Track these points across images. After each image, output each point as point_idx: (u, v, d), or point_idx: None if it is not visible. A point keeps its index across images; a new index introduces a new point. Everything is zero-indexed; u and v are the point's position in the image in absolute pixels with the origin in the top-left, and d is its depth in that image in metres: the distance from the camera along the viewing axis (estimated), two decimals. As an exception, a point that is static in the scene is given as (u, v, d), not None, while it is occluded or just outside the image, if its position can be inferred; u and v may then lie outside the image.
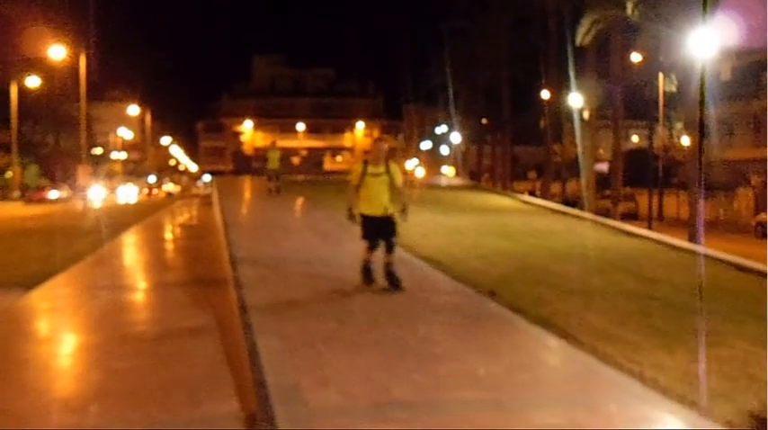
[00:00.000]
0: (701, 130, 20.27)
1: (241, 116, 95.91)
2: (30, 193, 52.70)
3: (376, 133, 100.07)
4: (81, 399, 6.03)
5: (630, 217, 39.78)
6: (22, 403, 5.90)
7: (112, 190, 62.77)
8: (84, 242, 16.48)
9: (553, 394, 5.96)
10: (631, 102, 44.87)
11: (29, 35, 45.22)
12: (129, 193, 64.35)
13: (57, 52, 42.90)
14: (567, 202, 35.58)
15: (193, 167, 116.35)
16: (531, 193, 46.00)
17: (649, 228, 31.22)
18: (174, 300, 10.23)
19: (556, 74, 43.60)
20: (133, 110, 77.57)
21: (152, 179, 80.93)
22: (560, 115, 47.05)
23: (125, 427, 5.35)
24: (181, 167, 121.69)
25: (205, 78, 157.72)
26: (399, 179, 9.76)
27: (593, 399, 5.79)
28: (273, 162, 26.51)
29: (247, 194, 29.81)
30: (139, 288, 12.08)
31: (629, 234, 17.89)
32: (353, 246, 14.33)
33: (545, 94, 46.52)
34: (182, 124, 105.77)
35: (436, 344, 7.11)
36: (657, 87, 40.18)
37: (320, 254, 12.93)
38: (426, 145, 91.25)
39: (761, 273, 12.16)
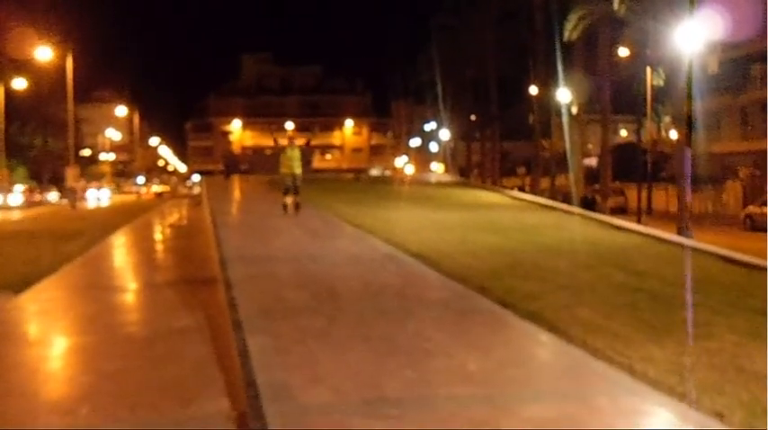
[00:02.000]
0: (688, 124, 20.36)
1: (229, 115, 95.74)
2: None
3: (365, 131, 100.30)
4: (72, 401, 6.02)
5: (619, 211, 39.87)
6: (13, 405, 5.88)
7: (83, 192, 54.90)
8: (73, 244, 16.42)
9: (544, 388, 5.98)
10: (619, 96, 45.02)
11: (15, 36, 45.01)
12: (101, 196, 60.41)
13: (43, 53, 42.75)
14: (585, 203, 32.43)
15: (182, 168, 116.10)
16: (521, 189, 46.12)
17: (638, 221, 31.33)
18: (164, 300, 10.21)
19: (544, 69, 43.66)
20: (121, 110, 77.30)
21: (140, 180, 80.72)
22: (549, 110, 47.12)
23: (116, 428, 5.33)
24: (169, 168, 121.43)
25: (193, 78, 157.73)
26: None
27: (583, 393, 5.81)
28: (293, 165, 19.32)
29: (237, 194, 29.76)
30: (129, 289, 12.05)
31: (618, 228, 17.94)
32: (342, 243, 14.37)
33: (533, 90, 46.58)
34: (170, 124, 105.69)
35: (426, 339, 7.11)
36: (645, 81, 40.30)
37: (310, 251, 12.92)
38: (415, 142, 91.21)
39: (749, 266, 12.21)
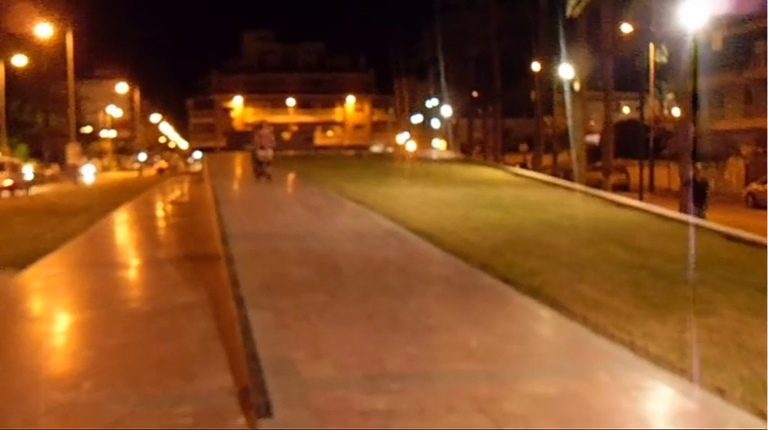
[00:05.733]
0: (691, 101, 20.26)
1: (231, 92, 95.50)
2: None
3: (367, 107, 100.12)
4: (75, 377, 6.04)
5: (622, 188, 39.84)
6: (17, 381, 5.90)
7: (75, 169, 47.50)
8: (75, 221, 16.43)
9: (545, 364, 6.01)
10: (622, 73, 44.76)
11: (15, 13, 44.77)
12: (87, 172, 55.13)
13: (43, 30, 42.54)
14: (697, 188, 22.30)
15: (184, 144, 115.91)
16: (523, 166, 45.98)
17: (640, 199, 31.31)
18: (166, 276, 10.23)
19: (546, 46, 43.41)
20: (122, 87, 76.99)
21: (142, 157, 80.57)
22: (551, 87, 46.94)
23: (119, 404, 5.36)
24: (171, 145, 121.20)
25: (194, 55, 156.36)
26: None
27: (585, 369, 5.84)
28: None
29: (238, 170, 29.71)
30: (132, 265, 12.07)
31: (620, 205, 17.92)
32: (344, 220, 14.39)
33: (536, 66, 46.38)
34: (171, 101, 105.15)
35: (428, 316, 7.14)
36: (648, 58, 40.11)
37: (312, 229, 12.93)
38: (417, 119, 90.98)
39: (750, 243, 12.21)
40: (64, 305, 8.95)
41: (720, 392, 5.23)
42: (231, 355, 6.26)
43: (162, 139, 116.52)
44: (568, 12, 35.37)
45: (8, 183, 34.82)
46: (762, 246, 11.71)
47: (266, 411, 4.82)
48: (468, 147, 65.01)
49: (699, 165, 24.43)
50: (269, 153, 22.59)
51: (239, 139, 39.78)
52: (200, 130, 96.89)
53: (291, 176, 24.45)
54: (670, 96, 55.41)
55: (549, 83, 46.35)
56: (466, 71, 59.63)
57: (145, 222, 18.18)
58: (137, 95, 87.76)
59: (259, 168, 22.81)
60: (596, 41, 36.81)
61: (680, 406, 5.23)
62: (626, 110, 76.34)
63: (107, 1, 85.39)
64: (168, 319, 7.75)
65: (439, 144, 76.65)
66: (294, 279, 8.73)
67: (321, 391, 5.14)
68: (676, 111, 45.28)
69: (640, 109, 45.96)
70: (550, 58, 43.44)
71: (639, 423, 4.91)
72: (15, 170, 36.98)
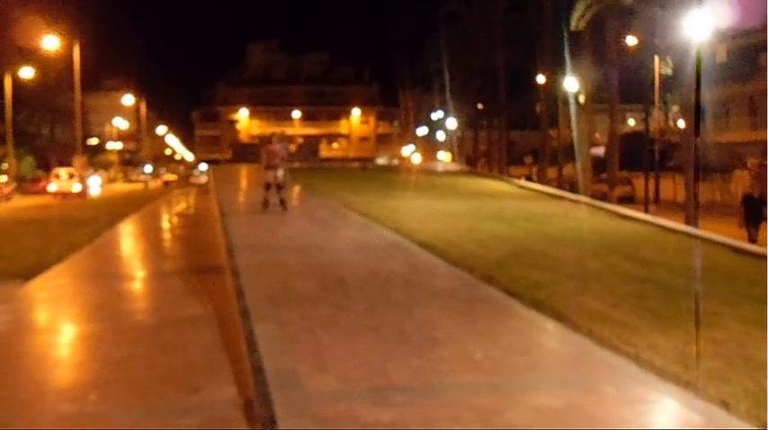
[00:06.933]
0: (696, 113, 20.28)
1: (236, 104, 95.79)
2: (26, 185, 52.55)
3: (372, 120, 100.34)
4: (80, 388, 6.06)
5: (627, 200, 39.78)
6: (22, 392, 5.92)
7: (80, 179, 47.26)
8: (81, 232, 16.46)
9: (550, 376, 6.00)
10: (627, 85, 44.82)
11: (23, 25, 44.99)
12: (94, 184, 53.22)
13: (51, 42, 42.79)
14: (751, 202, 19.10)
15: (189, 156, 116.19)
16: (528, 178, 45.97)
17: (646, 211, 31.29)
18: (172, 288, 10.25)
19: (551, 58, 43.47)
20: (128, 99, 77.25)
21: (148, 169, 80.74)
22: (556, 99, 46.98)
23: (124, 415, 5.37)
24: (176, 157, 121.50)
25: (200, 67, 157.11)
26: None
27: (589, 381, 5.83)
28: None
29: (244, 183, 29.77)
30: (137, 277, 12.09)
31: (625, 217, 17.91)
32: (349, 232, 14.40)
33: (541, 79, 46.43)
34: (177, 113, 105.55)
35: (433, 328, 7.14)
36: (653, 70, 40.14)
37: (317, 241, 12.95)
38: (422, 131, 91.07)
39: (756, 256, 12.19)
40: (70, 316, 8.97)
41: (725, 405, 5.23)
42: (236, 367, 6.28)
43: (168, 151, 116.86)
44: (573, 24, 35.45)
45: (77, 189, 43.61)
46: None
47: (271, 423, 4.83)
48: (474, 159, 65.03)
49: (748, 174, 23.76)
50: (279, 174, 17.43)
51: (245, 151, 40.23)
52: (206, 142, 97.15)
53: (297, 189, 24.49)
54: (675, 108, 55.42)
55: (554, 95, 46.36)
56: (471, 83, 59.71)
57: (151, 234, 18.22)
58: (143, 107, 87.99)
59: (268, 194, 17.57)
60: (601, 54, 36.89)
61: (685, 419, 5.22)
62: (631, 122, 76.29)
63: (114, 13, 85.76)
64: (173, 331, 7.77)
65: (444, 156, 76.72)
66: (299, 291, 8.74)
67: (326, 403, 5.15)
68: (681, 124, 45.29)
69: (645, 121, 46.00)
70: (555, 71, 43.48)
71: (644, 436, 4.91)
72: (81, 179, 45.48)
